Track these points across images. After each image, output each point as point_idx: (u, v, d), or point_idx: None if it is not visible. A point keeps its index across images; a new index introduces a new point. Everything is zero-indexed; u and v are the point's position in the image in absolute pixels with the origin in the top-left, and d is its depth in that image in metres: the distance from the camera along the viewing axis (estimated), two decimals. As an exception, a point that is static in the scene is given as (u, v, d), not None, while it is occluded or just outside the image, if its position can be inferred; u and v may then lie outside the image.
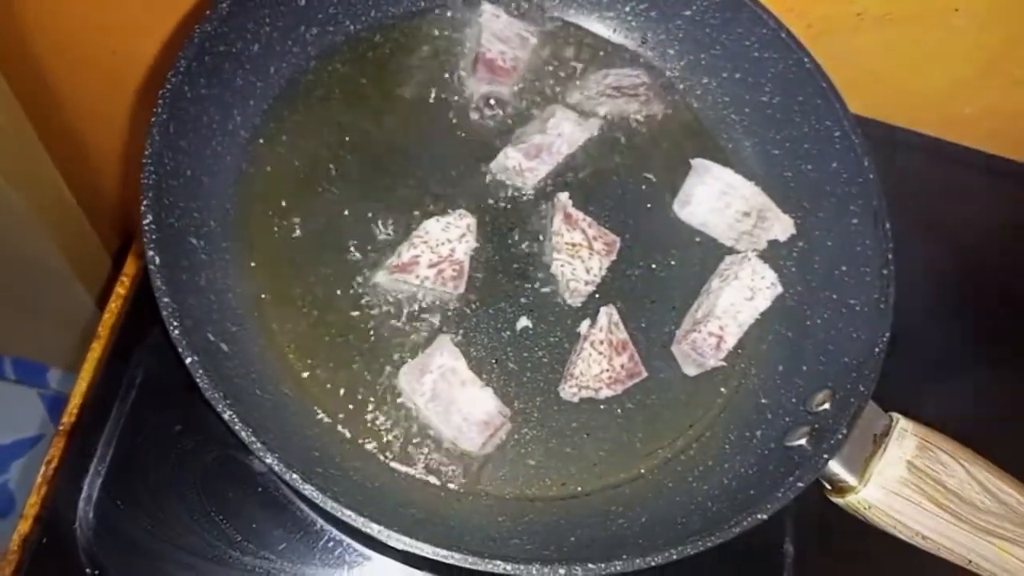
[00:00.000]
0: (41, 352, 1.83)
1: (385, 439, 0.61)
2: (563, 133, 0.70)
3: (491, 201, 0.70)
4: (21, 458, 1.80)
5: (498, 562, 0.51)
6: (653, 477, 0.65)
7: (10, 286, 1.43)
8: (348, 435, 0.61)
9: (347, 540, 0.66)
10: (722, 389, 0.69)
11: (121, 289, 0.81)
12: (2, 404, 1.82)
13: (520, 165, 0.69)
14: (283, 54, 0.68)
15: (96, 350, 0.79)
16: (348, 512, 0.50)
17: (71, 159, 1.22)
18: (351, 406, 0.61)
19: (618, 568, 0.52)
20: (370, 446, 0.61)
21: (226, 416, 0.50)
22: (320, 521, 0.66)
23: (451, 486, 0.61)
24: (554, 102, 0.73)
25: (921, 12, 0.79)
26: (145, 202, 0.54)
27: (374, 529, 0.50)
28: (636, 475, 0.65)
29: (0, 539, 1.69)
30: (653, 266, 0.71)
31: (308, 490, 0.50)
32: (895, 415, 0.62)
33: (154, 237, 0.53)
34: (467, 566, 0.51)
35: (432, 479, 0.61)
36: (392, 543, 0.50)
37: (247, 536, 0.64)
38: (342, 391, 0.62)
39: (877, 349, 0.62)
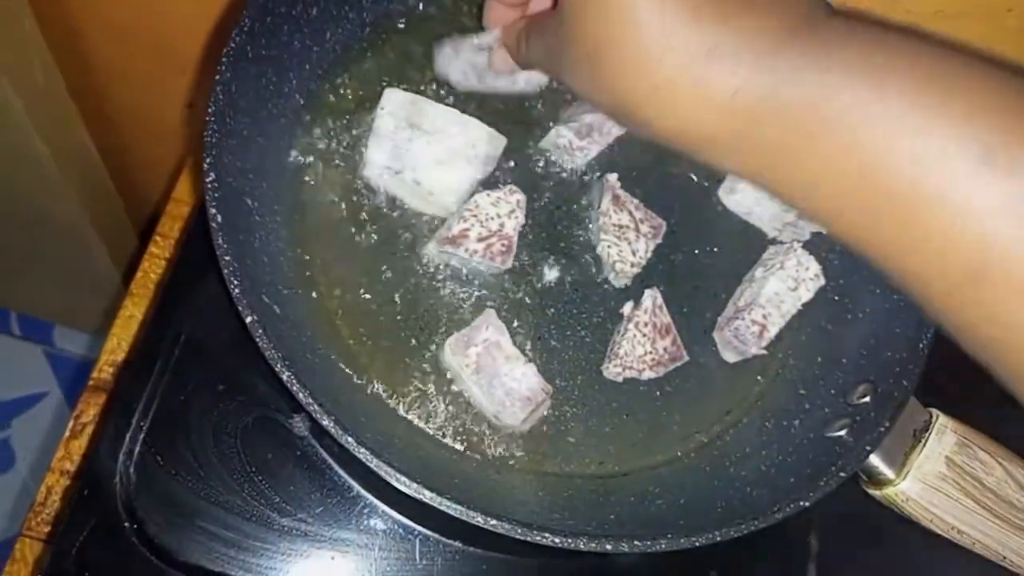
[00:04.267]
0: (49, 309, 1.83)
1: (429, 409, 0.62)
2: (615, 114, 0.70)
3: (540, 179, 0.70)
4: (23, 415, 1.80)
5: (547, 534, 0.51)
6: (690, 461, 0.65)
7: (27, 241, 1.43)
8: (393, 404, 0.61)
9: (383, 507, 0.66)
10: (759, 377, 0.70)
11: (155, 248, 0.81)
12: (6, 360, 1.82)
13: (571, 144, 0.69)
14: (339, 19, 0.68)
15: (128, 308, 0.79)
16: (402, 477, 0.50)
17: (101, 122, 1.22)
18: (397, 375, 0.62)
19: (663, 546, 0.53)
20: (414, 416, 0.61)
21: (284, 376, 0.50)
22: (357, 487, 0.66)
23: (492, 459, 0.62)
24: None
25: (972, 10, 0.79)
26: (208, 159, 0.54)
27: (427, 496, 0.50)
28: (673, 457, 0.65)
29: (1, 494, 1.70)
30: (697, 252, 0.71)
31: (363, 453, 0.50)
32: (935, 411, 0.63)
33: (216, 195, 0.53)
34: (516, 537, 0.51)
35: (473, 452, 0.62)
36: (444, 509, 0.51)
37: (285, 498, 0.64)
38: (388, 360, 0.62)
39: (921, 345, 0.62)
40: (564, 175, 0.70)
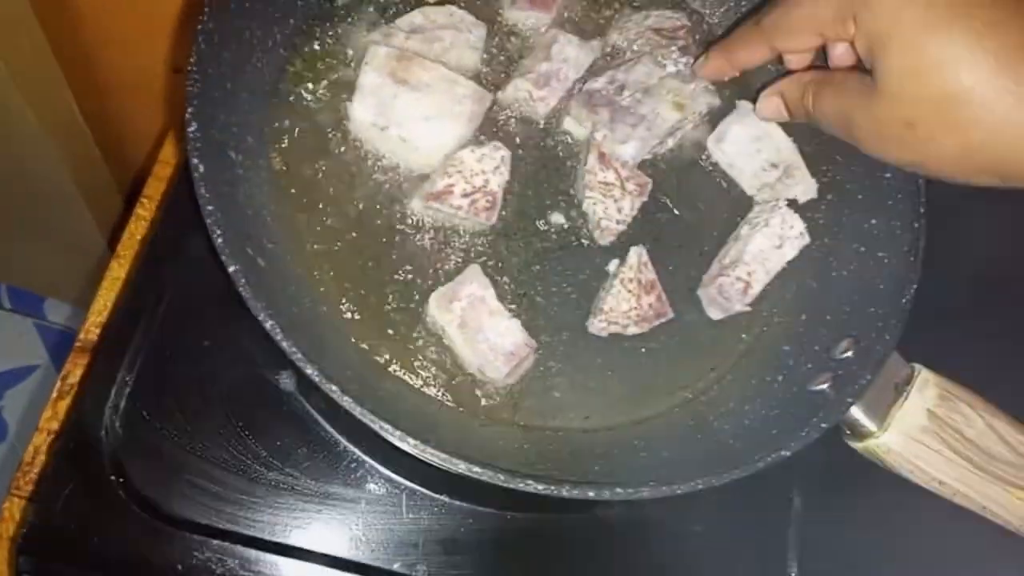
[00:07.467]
0: (39, 282, 1.82)
1: (414, 363, 0.62)
2: (568, 58, 0.70)
3: (520, 136, 0.70)
4: (15, 387, 1.80)
5: (530, 481, 0.52)
6: (675, 416, 0.66)
7: (15, 211, 1.42)
8: (378, 358, 0.61)
9: (369, 462, 0.67)
10: (744, 335, 0.70)
11: (141, 210, 0.81)
12: (-3, 333, 1.82)
13: (531, 95, 0.69)
14: (325, -27, 0.68)
15: (115, 269, 0.79)
16: (386, 426, 0.50)
17: (87, 86, 1.21)
18: (382, 329, 0.62)
19: (645, 494, 0.53)
20: (399, 369, 0.61)
21: (268, 326, 0.50)
22: (344, 442, 0.66)
23: (476, 413, 0.62)
24: (595, 37, 0.73)
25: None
26: (190, 110, 0.54)
27: (410, 444, 0.51)
28: (658, 413, 0.66)
29: (-6, 463, 1.70)
30: (683, 210, 0.71)
31: (347, 402, 0.50)
32: (917, 366, 0.63)
33: (198, 146, 0.53)
34: (499, 484, 0.51)
35: (458, 405, 0.62)
36: (427, 458, 0.51)
37: (272, 453, 0.65)
38: (374, 314, 0.62)
39: (904, 299, 0.63)
40: (541, 131, 0.70)
